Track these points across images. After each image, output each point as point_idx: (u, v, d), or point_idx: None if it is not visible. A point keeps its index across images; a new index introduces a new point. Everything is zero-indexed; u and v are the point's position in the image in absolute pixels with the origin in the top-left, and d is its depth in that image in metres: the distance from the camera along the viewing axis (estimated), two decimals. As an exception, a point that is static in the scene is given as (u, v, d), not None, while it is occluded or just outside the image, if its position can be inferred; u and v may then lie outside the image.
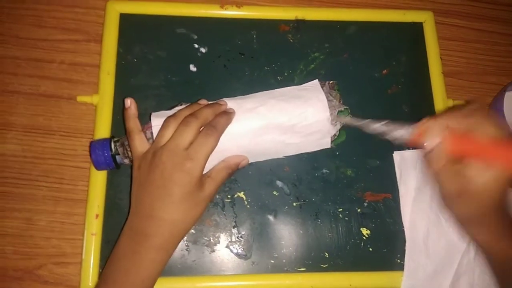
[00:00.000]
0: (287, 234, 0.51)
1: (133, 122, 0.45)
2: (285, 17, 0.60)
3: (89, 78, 0.56)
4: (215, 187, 0.44)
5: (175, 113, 0.45)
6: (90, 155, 0.45)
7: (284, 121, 0.45)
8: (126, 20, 0.57)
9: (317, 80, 0.49)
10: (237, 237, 0.51)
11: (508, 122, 0.54)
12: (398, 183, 0.53)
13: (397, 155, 0.55)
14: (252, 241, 0.51)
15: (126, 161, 0.46)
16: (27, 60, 0.56)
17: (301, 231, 0.51)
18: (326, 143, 0.48)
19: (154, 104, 0.54)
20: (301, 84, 0.51)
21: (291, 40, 0.59)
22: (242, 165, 0.47)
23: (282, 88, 0.50)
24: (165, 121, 0.44)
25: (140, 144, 0.44)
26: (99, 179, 0.51)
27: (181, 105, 0.47)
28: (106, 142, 0.46)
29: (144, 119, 0.52)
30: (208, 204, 0.44)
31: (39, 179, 0.52)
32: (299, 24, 0.59)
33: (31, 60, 0.56)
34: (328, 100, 0.47)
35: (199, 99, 0.47)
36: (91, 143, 0.46)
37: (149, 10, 0.58)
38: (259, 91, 0.53)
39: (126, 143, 0.46)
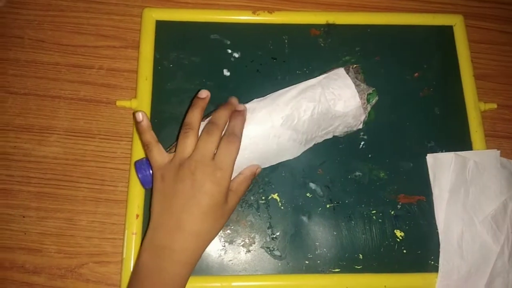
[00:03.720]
0: (321, 235, 0.52)
1: (149, 135, 0.45)
2: (315, 21, 0.61)
3: (127, 83, 0.58)
4: (237, 200, 0.45)
5: (188, 121, 0.45)
6: (137, 174, 0.46)
7: (315, 113, 0.47)
8: (162, 27, 0.59)
9: (342, 68, 0.49)
10: (272, 238, 0.51)
11: None
12: (432, 185, 0.54)
13: (430, 158, 0.55)
14: (286, 242, 0.51)
15: None
16: (68, 66, 0.58)
17: (335, 233, 0.52)
18: (358, 126, 0.50)
19: (189, 107, 0.56)
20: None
21: (322, 44, 0.60)
22: (257, 173, 0.48)
23: (308, 81, 0.50)
24: (182, 131, 0.45)
25: (159, 155, 0.44)
26: (138, 182, 0.52)
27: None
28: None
29: (182, 121, 0.54)
30: (229, 217, 0.45)
31: (80, 180, 0.53)
32: (330, 29, 0.60)
33: (71, 66, 0.58)
34: (356, 85, 0.48)
35: (199, 91, 0.47)
36: (135, 163, 0.47)
37: (184, 17, 0.59)
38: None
39: None
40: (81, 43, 0.59)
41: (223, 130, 0.44)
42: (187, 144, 0.44)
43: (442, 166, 0.54)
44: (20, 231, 0.51)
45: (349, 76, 0.49)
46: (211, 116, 0.46)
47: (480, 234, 0.52)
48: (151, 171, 0.46)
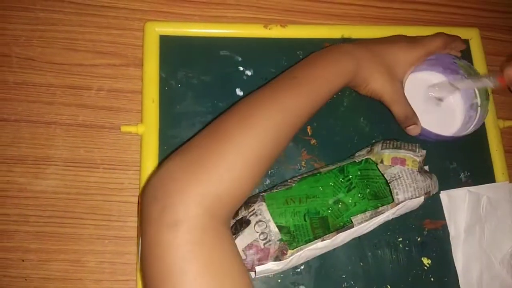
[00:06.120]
0: (347, 267, 0.49)
1: None
2: (330, 35, 0.57)
3: (131, 105, 0.53)
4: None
5: None
6: None
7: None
8: (167, 42, 0.54)
9: (423, 197, 0.46)
10: (296, 272, 0.49)
11: None
12: (448, 224, 0.52)
13: (444, 196, 0.53)
14: (311, 276, 0.49)
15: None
16: (63, 88, 0.52)
17: (361, 263, 0.50)
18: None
19: (201, 132, 0.52)
20: (351, 106, 0.54)
21: (338, 60, 0.56)
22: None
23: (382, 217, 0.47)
24: None
25: None
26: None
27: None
28: None
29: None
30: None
31: (84, 216, 0.49)
32: (345, 43, 0.57)
33: (67, 88, 0.52)
34: (425, 193, 0.47)
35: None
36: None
37: (190, 32, 0.55)
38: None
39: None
40: (77, 61, 0.53)
41: None
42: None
43: (456, 205, 0.52)
44: (20, 277, 0.46)
45: (418, 171, 0.46)
46: None
47: (500, 275, 0.51)
48: None
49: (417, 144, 0.48)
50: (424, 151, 0.47)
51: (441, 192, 0.53)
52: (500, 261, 0.51)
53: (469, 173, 0.54)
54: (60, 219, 0.48)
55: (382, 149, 0.48)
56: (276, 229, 0.42)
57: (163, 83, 0.52)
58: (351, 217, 0.45)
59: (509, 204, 0.53)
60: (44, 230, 0.48)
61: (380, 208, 0.45)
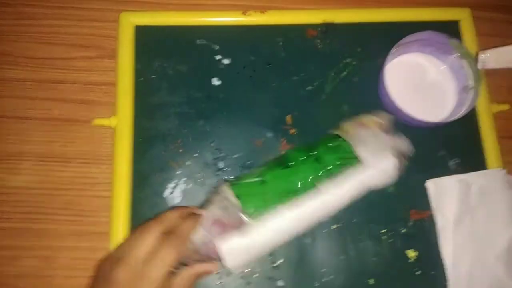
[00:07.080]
0: (327, 260, 0.47)
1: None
2: (312, 21, 0.55)
3: (106, 98, 0.51)
4: None
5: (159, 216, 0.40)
6: None
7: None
8: (142, 33, 0.52)
9: (391, 156, 0.43)
10: (274, 266, 0.47)
11: None
12: (435, 215, 0.49)
13: (431, 184, 0.50)
14: (290, 270, 0.47)
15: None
16: (37, 82, 0.51)
17: (342, 257, 0.48)
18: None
19: (176, 123, 0.50)
20: (334, 93, 0.52)
21: (319, 46, 0.54)
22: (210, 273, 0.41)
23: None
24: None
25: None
26: (121, 210, 0.47)
27: None
28: None
29: (168, 139, 0.49)
30: None
31: (58, 212, 0.48)
32: (327, 28, 0.55)
33: (41, 82, 0.52)
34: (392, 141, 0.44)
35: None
36: None
37: (165, 21, 0.53)
38: (288, 103, 0.52)
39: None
40: (50, 54, 0.52)
41: (166, 230, 0.38)
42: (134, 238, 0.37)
43: (444, 193, 0.49)
44: (-9, 273, 0.46)
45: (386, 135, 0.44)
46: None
47: (491, 269, 0.48)
48: None
49: (381, 111, 0.46)
50: (388, 115, 0.46)
51: (428, 180, 0.50)
52: (492, 255, 0.48)
53: (458, 160, 0.51)
54: (33, 215, 0.48)
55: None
56: (235, 201, 0.40)
57: (138, 74, 0.51)
58: (315, 182, 0.42)
59: (502, 192, 0.50)
60: (16, 226, 0.47)
61: (347, 171, 0.42)
